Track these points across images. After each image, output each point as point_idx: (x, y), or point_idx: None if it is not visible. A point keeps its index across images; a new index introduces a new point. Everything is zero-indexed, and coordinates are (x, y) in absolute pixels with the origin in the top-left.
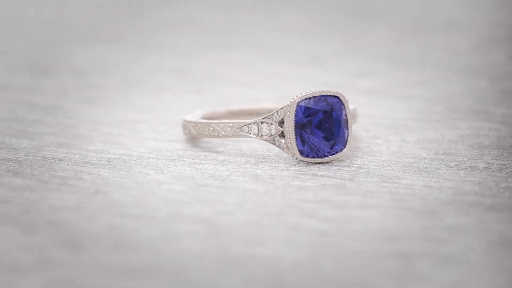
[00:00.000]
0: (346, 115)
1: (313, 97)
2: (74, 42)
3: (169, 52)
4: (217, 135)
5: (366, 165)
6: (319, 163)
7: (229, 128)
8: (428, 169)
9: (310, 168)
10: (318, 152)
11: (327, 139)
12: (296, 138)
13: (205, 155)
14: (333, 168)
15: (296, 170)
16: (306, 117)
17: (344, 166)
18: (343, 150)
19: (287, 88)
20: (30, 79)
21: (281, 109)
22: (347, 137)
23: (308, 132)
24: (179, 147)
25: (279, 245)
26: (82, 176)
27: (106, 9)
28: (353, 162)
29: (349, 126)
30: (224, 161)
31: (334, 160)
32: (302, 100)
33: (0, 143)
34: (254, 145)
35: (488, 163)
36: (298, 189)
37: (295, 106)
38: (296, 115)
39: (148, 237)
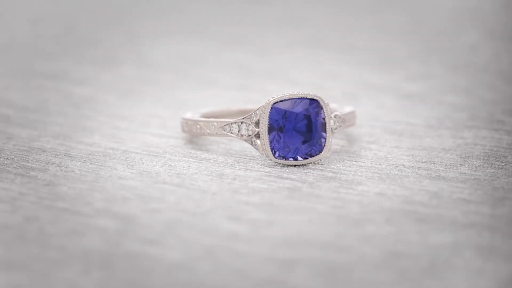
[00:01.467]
0: (324, 119)
1: (290, 99)
2: (138, 34)
3: (242, 48)
4: (203, 133)
5: (339, 169)
6: (294, 165)
7: (213, 126)
8: (396, 176)
9: (281, 170)
10: (292, 155)
11: (302, 142)
12: (272, 139)
13: (190, 153)
14: (303, 171)
15: (265, 172)
16: (282, 119)
17: (316, 169)
18: (320, 153)
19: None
20: (89, 68)
21: (257, 109)
22: (325, 140)
23: (284, 134)
24: (173, 143)
25: (172, 245)
26: (48, 167)
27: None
28: (329, 166)
29: (328, 129)
30: (203, 159)
31: (310, 163)
32: (279, 102)
33: (1, 132)
34: (247, 144)
35: (460, 174)
36: (251, 190)
37: (269, 108)
38: (272, 116)
39: (56, 233)
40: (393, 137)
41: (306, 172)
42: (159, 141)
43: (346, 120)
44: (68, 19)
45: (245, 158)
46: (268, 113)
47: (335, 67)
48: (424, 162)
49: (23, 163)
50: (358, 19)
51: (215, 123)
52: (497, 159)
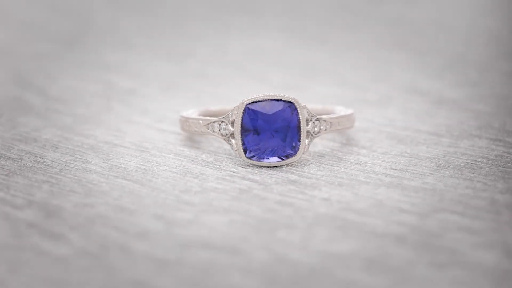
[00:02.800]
0: (299, 121)
1: (265, 100)
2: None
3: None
4: (192, 131)
5: (309, 173)
6: (267, 166)
7: (199, 125)
8: (357, 183)
9: (250, 171)
10: (266, 156)
11: (277, 144)
12: (247, 140)
13: (178, 150)
14: (271, 172)
15: (232, 172)
16: (257, 120)
17: (284, 171)
18: (294, 156)
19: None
20: (135, 61)
21: (233, 109)
22: (299, 143)
23: (258, 136)
24: (171, 140)
25: (73, 237)
26: (23, 157)
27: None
28: (301, 168)
29: (302, 132)
30: (186, 156)
31: (283, 165)
32: (253, 103)
33: (10, 120)
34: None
35: (423, 183)
36: (201, 190)
37: (243, 108)
38: (247, 117)
39: None
40: (391, 142)
41: (272, 174)
42: (158, 137)
43: (334, 124)
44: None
45: (227, 158)
46: (242, 113)
47: (386, 68)
48: (398, 169)
49: (3, 152)
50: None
51: (200, 121)
52: (472, 170)
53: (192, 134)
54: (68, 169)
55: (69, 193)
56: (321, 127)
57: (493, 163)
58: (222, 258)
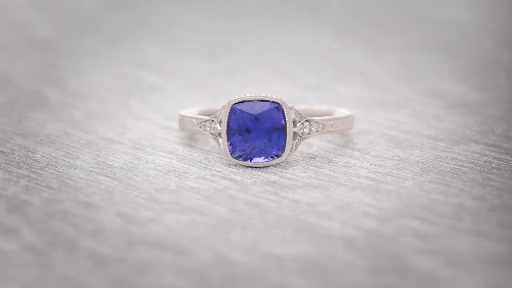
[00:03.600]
0: (285, 122)
1: (251, 100)
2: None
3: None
4: (187, 129)
5: (292, 174)
6: (253, 167)
7: (192, 123)
8: (333, 186)
9: (233, 171)
10: (252, 156)
11: (263, 144)
12: (234, 140)
13: (173, 147)
14: (255, 173)
15: (217, 171)
16: (244, 120)
17: (267, 172)
18: (279, 157)
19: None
20: (163, 56)
21: (221, 109)
22: (285, 144)
23: (244, 136)
24: (171, 138)
25: (26, 233)
26: (15, 151)
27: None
28: (286, 170)
29: (288, 133)
30: (178, 155)
31: (268, 166)
32: (240, 102)
33: (19, 114)
34: None
35: (400, 187)
36: (177, 188)
37: (229, 108)
38: (233, 117)
39: None
40: (387, 146)
41: (255, 175)
42: (159, 135)
43: (327, 125)
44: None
45: (219, 157)
46: (228, 113)
47: (416, 70)
48: (381, 173)
49: None
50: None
51: (194, 120)
52: (455, 176)
53: (188, 133)
54: (53, 165)
55: (43, 189)
56: (312, 129)
57: (478, 169)
58: (164, 258)
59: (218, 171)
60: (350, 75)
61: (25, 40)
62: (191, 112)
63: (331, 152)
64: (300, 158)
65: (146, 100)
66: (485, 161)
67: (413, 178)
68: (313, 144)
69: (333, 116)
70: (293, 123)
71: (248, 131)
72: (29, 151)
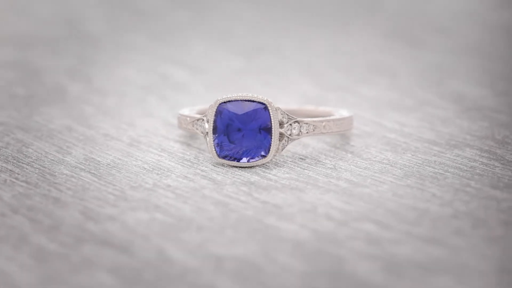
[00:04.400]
0: (271, 123)
1: (238, 100)
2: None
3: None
4: (182, 127)
5: (274, 175)
6: (238, 166)
7: (186, 122)
8: (308, 188)
9: (217, 170)
10: (237, 156)
11: (248, 144)
12: (220, 139)
13: (168, 145)
14: (238, 173)
15: (201, 170)
16: (230, 120)
17: (251, 172)
18: (264, 158)
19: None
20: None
21: (209, 108)
22: (270, 144)
23: (230, 135)
24: (169, 135)
25: None
26: (8, 145)
27: None
28: (271, 170)
29: (273, 134)
30: (170, 152)
31: (253, 166)
32: (227, 102)
33: (32, 109)
34: None
35: (375, 191)
36: (153, 186)
37: (215, 107)
38: (219, 116)
39: None
40: (382, 149)
41: (237, 175)
42: (160, 133)
43: (319, 127)
44: None
45: (209, 156)
46: (214, 112)
47: (446, 72)
48: (363, 176)
49: None
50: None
51: (188, 119)
52: (435, 180)
53: (185, 131)
54: (41, 160)
55: (20, 183)
56: (302, 130)
57: (461, 174)
58: (106, 256)
59: (202, 170)
60: (379, 76)
61: (73, 35)
62: (189, 110)
63: (324, 153)
64: (290, 159)
65: (165, 97)
66: (471, 167)
67: (391, 182)
68: (310, 145)
69: (326, 118)
70: (280, 124)
71: (234, 131)
72: (23, 145)
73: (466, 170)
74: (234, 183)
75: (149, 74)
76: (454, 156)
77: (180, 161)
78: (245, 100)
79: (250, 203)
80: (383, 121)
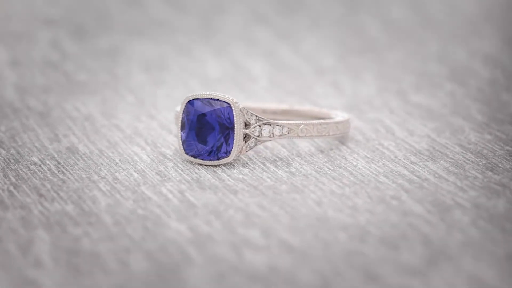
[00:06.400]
0: (233, 123)
1: (203, 98)
2: None
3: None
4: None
5: (228, 175)
6: (201, 164)
7: (175, 118)
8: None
9: (177, 167)
10: (200, 154)
11: (213, 143)
12: (184, 136)
13: (160, 140)
14: (195, 170)
15: (163, 165)
16: (194, 117)
17: (208, 171)
18: (227, 157)
19: None
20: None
21: (181, 105)
22: (233, 144)
23: (194, 133)
24: (170, 131)
25: None
26: (14, 135)
27: None
28: (230, 170)
29: (236, 134)
30: (154, 146)
31: (217, 164)
32: (194, 99)
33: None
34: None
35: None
36: (113, 179)
37: (184, 104)
38: (186, 114)
39: None
40: (369, 156)
41: (193, 172)
42: (165, 127)
43: (294, 130)
44: None
45: None
46: (183, 110)
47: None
48: (304, 185)
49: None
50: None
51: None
52: (375, 190)
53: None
54: (25, 146)
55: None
56: (275, 132)
57: (420, 186)
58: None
59: (164, 166)
60: (429, 86)
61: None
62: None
63: (302, 157)
64: (262, 160)
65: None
66: (424, 179)
67: (357, 195)
68: (300, 146)
69: (304, 121)
70: (246, 125)
71: (198, 128)
72: (21, 132)
73: (415, 183)
74: (181, 181)
75: (192, 73)
76: (428, 169)
77: (153, 156)
78: (211, 99)
79: (171, 200)
80: (394, 130)
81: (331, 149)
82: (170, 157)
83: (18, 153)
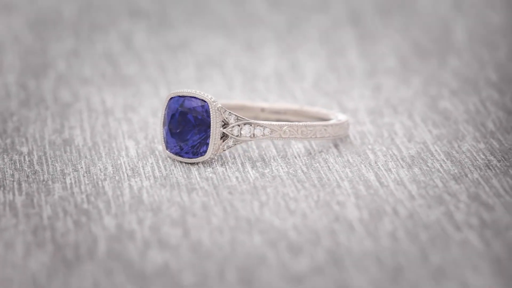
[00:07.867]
0: (210, 121)
1: (184, 96)
2: None
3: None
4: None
5: (200, 173)
6: (180, 161)
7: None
8: (211, 192)
9: (159, 164)
10: (179, 151)
11: (189, 139)
12: (165, 132)
13: (158, 136)
14: (176, 168)
15: (146, 161)
16: (174, 114)
17: (187, 168)
18: (203, 155)
19: None
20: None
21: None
22: (209, 143)
23: (173, 130)
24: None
25: None
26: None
27: None
28: (204, 168)
29: (212, 133)
30: (146, 141)
31: (195, 162)
32: (175, 97)
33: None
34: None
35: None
36: (83, 169)
37: (167, 101)
38: (167, 111)
39: None
40: (355, 161)
41: (172, 169)
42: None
43: (277, 130)
44: None
45: None
46: (165, 106)
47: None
48: (299, 183)
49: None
50: None
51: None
52: (365, 193)
53: None
54: (35, 140)
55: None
56: (256, 132)
57: (374, 193)
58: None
59: (144, 161)
60: (452, 95)
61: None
62: None
63: (286, 159)
64: (245, 160)
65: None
66: (385, 186)
67: (284, 195)
68: (294, 147)
69: (288, 123)
70: (225, 124)
71: (176, 126)
72: (31, 122)
73: (387, 191)
74: (148, 178)
75: (218, 73)
76: (411, 177)
77: (144, 151)
78: (190, 97)
79: (140, 197)
80: (397, 136)
81: (321, 151)
82: (157, 154)
83: (12, 142)
